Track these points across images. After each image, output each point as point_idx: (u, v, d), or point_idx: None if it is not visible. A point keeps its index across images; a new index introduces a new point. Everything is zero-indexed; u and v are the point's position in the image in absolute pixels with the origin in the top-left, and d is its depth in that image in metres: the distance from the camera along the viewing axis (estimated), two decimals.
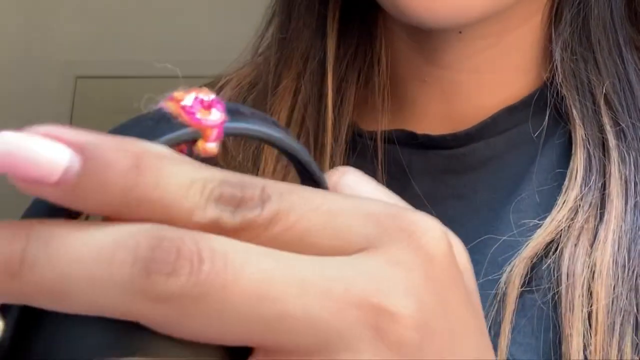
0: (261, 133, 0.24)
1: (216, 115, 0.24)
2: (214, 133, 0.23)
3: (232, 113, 0.24)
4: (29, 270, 0.20)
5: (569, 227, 0.50)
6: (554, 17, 0.56)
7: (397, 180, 0.55)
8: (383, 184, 0.55)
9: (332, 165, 0.55)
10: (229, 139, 0.53)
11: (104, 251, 0.20)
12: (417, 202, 0.53)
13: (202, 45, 1.29)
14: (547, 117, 0.55)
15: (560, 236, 0.50)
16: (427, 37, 0.55)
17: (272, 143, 0.25)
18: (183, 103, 0.24)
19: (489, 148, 0.55)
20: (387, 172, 0.55)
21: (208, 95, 0.24)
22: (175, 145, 0.23)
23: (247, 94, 0.60)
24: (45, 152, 0.20)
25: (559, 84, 0.54)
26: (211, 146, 0.23)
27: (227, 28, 1.33)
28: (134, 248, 0.20)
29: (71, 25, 1.45)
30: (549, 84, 0.55)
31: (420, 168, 0.55)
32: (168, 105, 0.24)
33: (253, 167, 0.55)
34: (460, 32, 0.54)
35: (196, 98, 0.24)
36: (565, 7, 0.55)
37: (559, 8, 0.56)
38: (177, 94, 0.24)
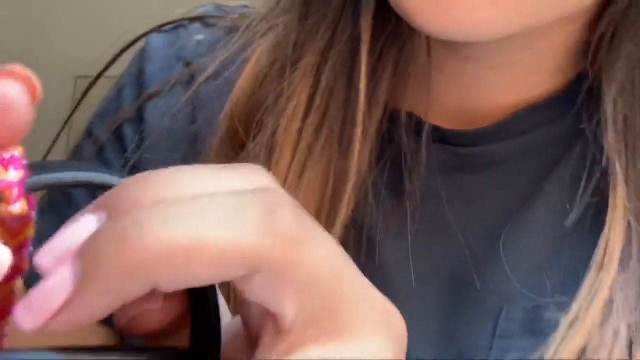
0: (72, 178, 0.24)
1: (13, 174, 0.22)
2: (15, 193, 0.22)
3: (36, 167, 0.23)
4: (152, 234, 0.22)
5: (601, 327, 0.42)
6: (609, 42, 0.47)
7: (397, 171, 0.48)
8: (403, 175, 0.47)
9: (359, 166, 0.46)
10: None
11: (232, 199, 0.23)
12: (421, 198, 0.48)
13: None
14: (578, 147, 0.47)
15: (591, 337, 0.42)
16: None
17: (87, 185, 0.24)
18: None
19: (504, 149, 0.48)
20: (391, 161, 0.48)
21: (7, 153, 0.22)
22: None
23: (268, 70, 0.50)
24: None
25: (607, 137, 0.46)
26: (15, 208, 0.22)
27: None
28: (258, 198, 0.23)
29: (71, 25, 1.45)
30: (587, 114, 0.47)
31: (428, 161, 0.48)
32: None
33: (268, 158, 0.47)
34: None
35: None
36: (624, 38, 0.46)
37: (611, 29, 0.47)
38: None
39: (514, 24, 0.41)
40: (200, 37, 0.55)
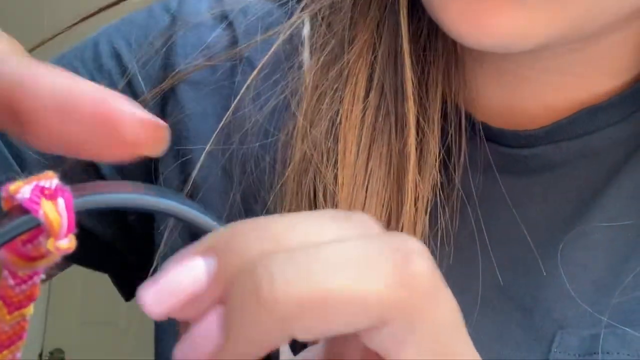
0: (120, 201, 0.22)
1: (62, 205, 0.21)
2: (64, 226, 0.21)
3: (80, 190, 0.22)
4: (283, 289, 0.21)
5: None
6: None
7: (444, 168, 0.44)
8: (434, 178, 0.43)
9: (423, 150, 0.42)
10: None
11: (363, 246, 0.22)
12: (465, 199, 0.44)
13: None
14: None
15: None
16: None
17: (140, 208, 0.23)
18: (19, 196, 0.21)
19: (559, 152, 0.44)
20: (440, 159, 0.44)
21: (46, 181, 0.21)
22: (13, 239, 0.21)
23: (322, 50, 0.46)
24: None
25: None
26: (63, 243, 0.21)
27: None
28: (390, 244, 0.23)
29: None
30: None
31: (473, 160, 0.44)
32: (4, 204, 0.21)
33: (334, 147, 0.43)
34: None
35: (36, 187, 0.21)
36: None
37: None
38: (12, 188, 0.21)
39: (553, 30, 0.38)
40: None
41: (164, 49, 0.49)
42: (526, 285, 0.42)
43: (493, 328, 0.42)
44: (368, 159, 0.42)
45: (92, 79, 0.49)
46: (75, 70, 0.50)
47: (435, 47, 0.44)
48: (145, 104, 0.48)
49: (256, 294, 0.21)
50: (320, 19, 0.46)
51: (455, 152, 0.44)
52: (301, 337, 0.22)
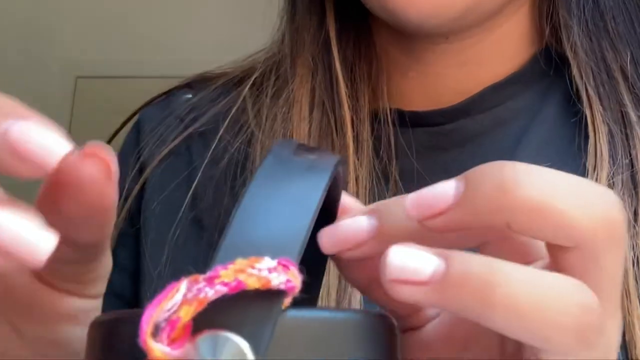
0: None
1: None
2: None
3: None
4: (525, 187, 0.26)
5: None
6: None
7: (383, 158, 0.56)
8: (370, 161, 0.56)
9: (359, 141, 0.55)
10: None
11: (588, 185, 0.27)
12: (405, 178, 0.55)
13: (202, 45, 1.29)
14: (536, 94, 0.56)
15: None
16: (413, 42, 0.58)
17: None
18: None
19: (475, 124, 0.56)
20: (374, 150, 0.56)
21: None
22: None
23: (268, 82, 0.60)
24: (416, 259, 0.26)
25: (572, 64, 0.55)
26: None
27: (227, 28, 1.33)
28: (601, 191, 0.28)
29: (71, 25, 1.45)
30: (544, 61, 0.57)
31: (408, 145, 0.56)
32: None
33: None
34: (447, 38, 0.56)
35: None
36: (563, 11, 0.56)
37: None
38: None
39: (466, 3, 0.51)
40: (188, 96, 0.64)
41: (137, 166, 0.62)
42: None
43: None
44: None
45: None
46: None
47: (361, 68, 0.58)
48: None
49: (502, 181, 0.26)
50: (269, 71, 0.61)
51: (385, 142, 0.56)
52: (512, 228, 0.26)
